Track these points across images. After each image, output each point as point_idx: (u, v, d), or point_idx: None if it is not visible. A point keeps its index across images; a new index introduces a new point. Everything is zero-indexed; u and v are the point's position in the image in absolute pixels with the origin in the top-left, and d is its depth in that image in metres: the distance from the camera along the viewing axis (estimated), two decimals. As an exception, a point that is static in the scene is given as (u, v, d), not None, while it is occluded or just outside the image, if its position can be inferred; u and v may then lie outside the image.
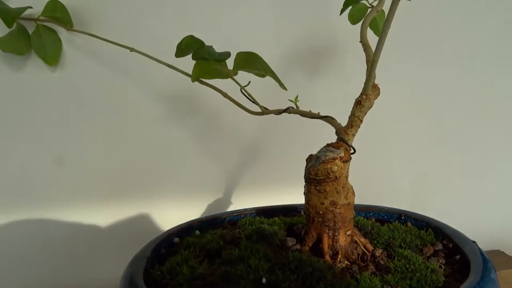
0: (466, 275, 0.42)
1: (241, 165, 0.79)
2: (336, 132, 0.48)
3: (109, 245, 0.74)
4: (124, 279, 0.41)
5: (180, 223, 0.55)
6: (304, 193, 0.47)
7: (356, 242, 0.45)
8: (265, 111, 0.49)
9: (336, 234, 0.44)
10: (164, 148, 0.74)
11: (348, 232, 0.45)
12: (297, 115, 0.50)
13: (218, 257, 0.44)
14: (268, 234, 0.47)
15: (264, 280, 0.38)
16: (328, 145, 0.47)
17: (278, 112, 0.48)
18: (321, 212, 0.44)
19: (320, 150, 0.46)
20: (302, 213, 0.59)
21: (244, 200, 0.77)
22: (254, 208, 0.59)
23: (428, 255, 0.47)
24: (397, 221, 0.54)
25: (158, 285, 0.41)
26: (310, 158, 0.46)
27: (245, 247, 0.45)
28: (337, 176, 0.43)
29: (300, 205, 0.60)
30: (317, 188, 0.44)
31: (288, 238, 0.47)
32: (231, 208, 0.77)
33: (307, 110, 0.48)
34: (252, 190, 0.78)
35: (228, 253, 0.43)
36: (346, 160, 0.44)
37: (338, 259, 0.43)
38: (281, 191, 0.77)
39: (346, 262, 0.44)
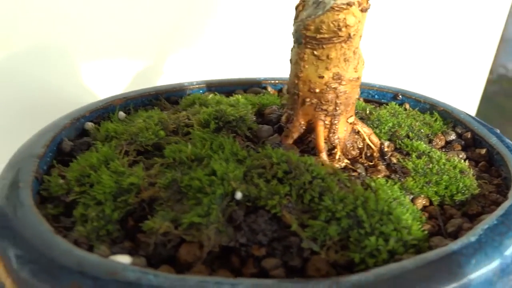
0: (496, 175, 0.32)
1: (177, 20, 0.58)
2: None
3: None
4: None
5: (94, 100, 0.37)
6: (290, 60, 0.31)
7: (358, 132, 0.32)
8: None
9: (335, 122, 0.30)
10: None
11: (350, 120, 0.31)
12: None
13: (159, 155, 0.28)
14: (233, 120, 0.32)
15: (238, 196, 0.24)
16: (332, -16, 0.29)
17: None
18: (317, 90, 0.29)
19: (322, -9, 0.29)
20: (270, 89, 0.44)
21: (184, 72, 0.59)
22: (203, 81, 0.42)
23: (439, 147, 0.36)
24: (393, 102, 0.41)
25: (59, 202, 0.25)
26: (303, 4, 0.29)
27: (201, 141, 0.29)
28: (351, 33, 0.27)
29: (266, 79, 0.44)
30: (316, 52, 0.28)
31: (261, 127, 0.32)
32: (163, 81, 0.59)
33: None
34: (195, 55, 0.59)
35: (175, 150, 0.28)
36: (366, 9, 0.28)
37: (337, 157, 0.30)
38: (240, 59, 0.60)
39: (345, 161, 0.31)
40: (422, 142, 0.34)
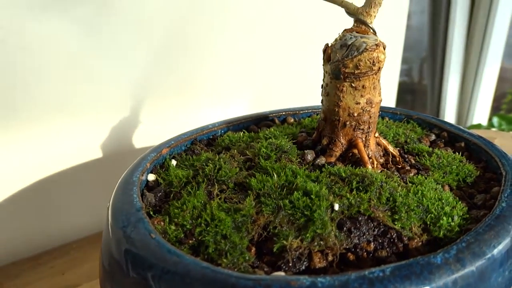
0: (478, 161, 0.42)
1: (154, 69, 0.61)
2: (347, 12, 0.38)
3: None
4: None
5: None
6: (324, 94, 0.37)
7: (379, 144, 0.40)
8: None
9: (368, 138, 0.38)
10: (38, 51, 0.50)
11: (376, 134, 0.39)
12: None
13: (240, 190, 0.32)
14: (287, 150, 0.37)
15: (336, 207, 0.30)
16: (347, 30, 0.37)
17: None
18: (355, 114, 0.36)
19: (346, 37, 0.36)
20: (277, 121, 0.50)
21: (167, 125, 0.61)
22: (221, 121, 0.46)
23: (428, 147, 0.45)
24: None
25: (180, 245, 0.28)
26: (330, 48, 0.36)
27: (273, 170, 0.34)
28: (381, 67, 0.35)
29: (272, 112, 0.50)
30: (353, 84, 0.35)
31: (307, 152, 0.38)
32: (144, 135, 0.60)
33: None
34: (174, 103, 0.62)
35: (260, 182, 0.32)
36: (385, 47, 0.36)
37: (375, 166, 0.37)
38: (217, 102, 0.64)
39: (380, 168, 0.38)
40: (422, 144, 0.43)
